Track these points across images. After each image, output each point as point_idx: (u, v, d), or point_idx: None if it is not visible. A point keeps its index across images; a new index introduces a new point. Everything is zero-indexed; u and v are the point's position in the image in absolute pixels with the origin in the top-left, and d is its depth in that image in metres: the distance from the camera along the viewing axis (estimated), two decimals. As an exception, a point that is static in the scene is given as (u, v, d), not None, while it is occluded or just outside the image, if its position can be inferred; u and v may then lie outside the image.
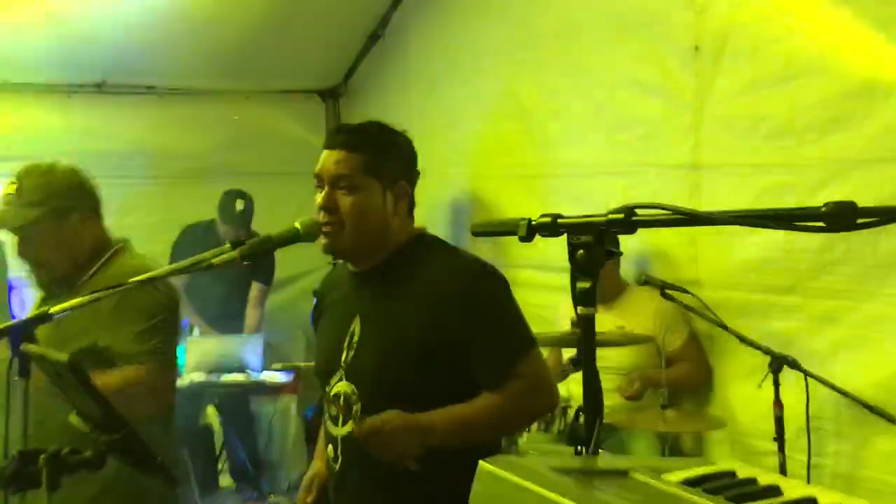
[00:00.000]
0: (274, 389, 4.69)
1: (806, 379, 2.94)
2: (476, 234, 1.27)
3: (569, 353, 3.42)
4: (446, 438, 1.92)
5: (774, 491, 1.02)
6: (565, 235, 1.23)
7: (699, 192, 3.52)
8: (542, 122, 4.24)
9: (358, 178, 1.99)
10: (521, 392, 1.98)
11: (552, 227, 1.17)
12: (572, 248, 1.15)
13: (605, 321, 3.37)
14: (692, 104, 3.53)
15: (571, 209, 1.25)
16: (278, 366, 4.71)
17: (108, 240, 2.42)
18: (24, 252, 2.35)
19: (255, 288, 5.02)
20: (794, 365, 2.96)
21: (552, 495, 0.92)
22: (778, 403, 2.97)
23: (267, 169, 5.37)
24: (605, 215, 1.12)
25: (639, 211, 1.13)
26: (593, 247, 1.14)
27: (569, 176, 4.03)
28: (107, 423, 1.54)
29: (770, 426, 2.99)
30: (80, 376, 1.50)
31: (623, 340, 3.23)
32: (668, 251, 3.68)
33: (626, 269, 3.75)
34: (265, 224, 4.37)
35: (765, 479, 1.06)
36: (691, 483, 1.03)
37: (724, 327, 3.19)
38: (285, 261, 5.05)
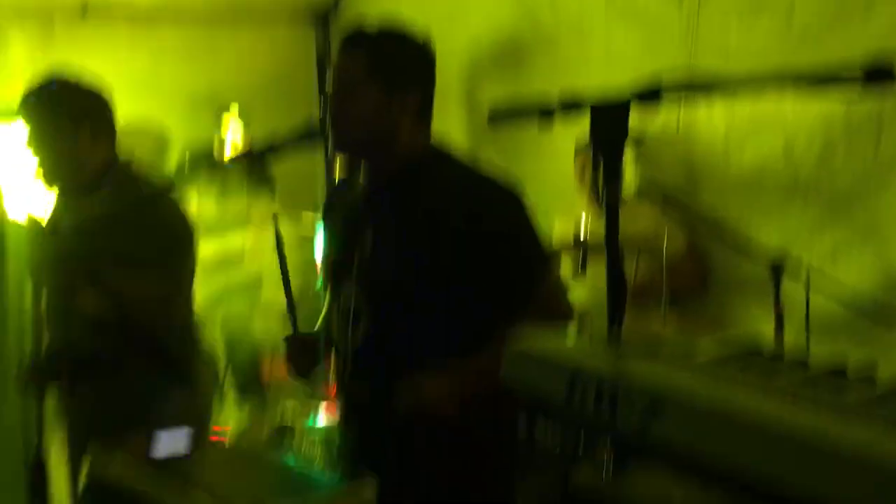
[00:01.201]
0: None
1: (807, 283, 2.95)
2: (493, 120, 1.25)
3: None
4: (470, 388, 1.91)
5: (803, 365, 1.03)
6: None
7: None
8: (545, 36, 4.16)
9: (357, 79, 1.95)
10: (538, 312, 1.94)
11: (575, 102, 1.14)
12: (595, 126, 1.13)
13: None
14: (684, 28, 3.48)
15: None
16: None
17: (118, 158, 2.47)
18: (36, 153, 2.40)
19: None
20: (795, 270, 2.96)
21: (586, 365, 0.93)
22: (777, 309, 2.98)
23: (253, 99, 5.28)
24: (632, 88, 1.09)
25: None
26: (617, 123, 1.11)
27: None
28: (124, 329, 1.54)
29: (769, 333, 3.01)
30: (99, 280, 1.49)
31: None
32: (665, 161, 3.67)
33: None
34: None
35: (791, 355, 1.06)
36: (720, 359, 1.04)
37: (724, 235, 3.20)
38: (284, 180, 5.00)
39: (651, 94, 1.05)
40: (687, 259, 3.56)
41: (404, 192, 2.01)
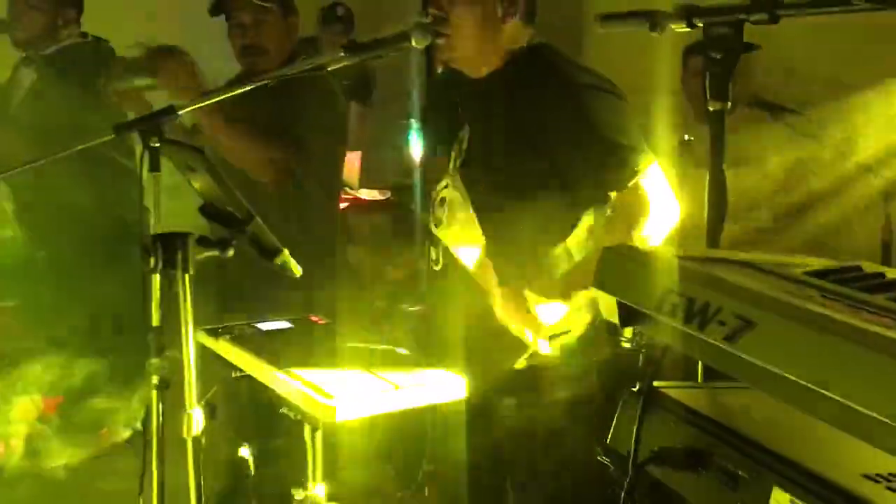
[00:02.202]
0: (369, 207, 4.78)
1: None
2: (604, 24, 1.23)
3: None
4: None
5: (904, 284, 1.01)
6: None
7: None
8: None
9: None
10: (640, 206, 1.91)
11: (687, 15, 1.12)
12: (709, 39, 1.11)
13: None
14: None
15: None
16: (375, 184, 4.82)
17: (299, 49, 2.76)
18: (248, 36, 2.62)
19: (355, 109, 5.06)
20: (907, 194, 2.86)
21: (680, 274, 0.94)
22: (887, 229, 2.90)
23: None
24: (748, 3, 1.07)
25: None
26: (731, 37, 1.09)
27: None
28: (235, 212, 1.61)
29: (876, 253, 2.94)
30: (209, 165, 1.56)
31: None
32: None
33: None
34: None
35: (893, 274, 1.05)
36: (817, 275, 1.03)
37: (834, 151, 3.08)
38: (383, 82, 5.01)
39: (767, 12, 1.02)
40: (791, 177, 3.44)
41: (504, 90, 2.01)
